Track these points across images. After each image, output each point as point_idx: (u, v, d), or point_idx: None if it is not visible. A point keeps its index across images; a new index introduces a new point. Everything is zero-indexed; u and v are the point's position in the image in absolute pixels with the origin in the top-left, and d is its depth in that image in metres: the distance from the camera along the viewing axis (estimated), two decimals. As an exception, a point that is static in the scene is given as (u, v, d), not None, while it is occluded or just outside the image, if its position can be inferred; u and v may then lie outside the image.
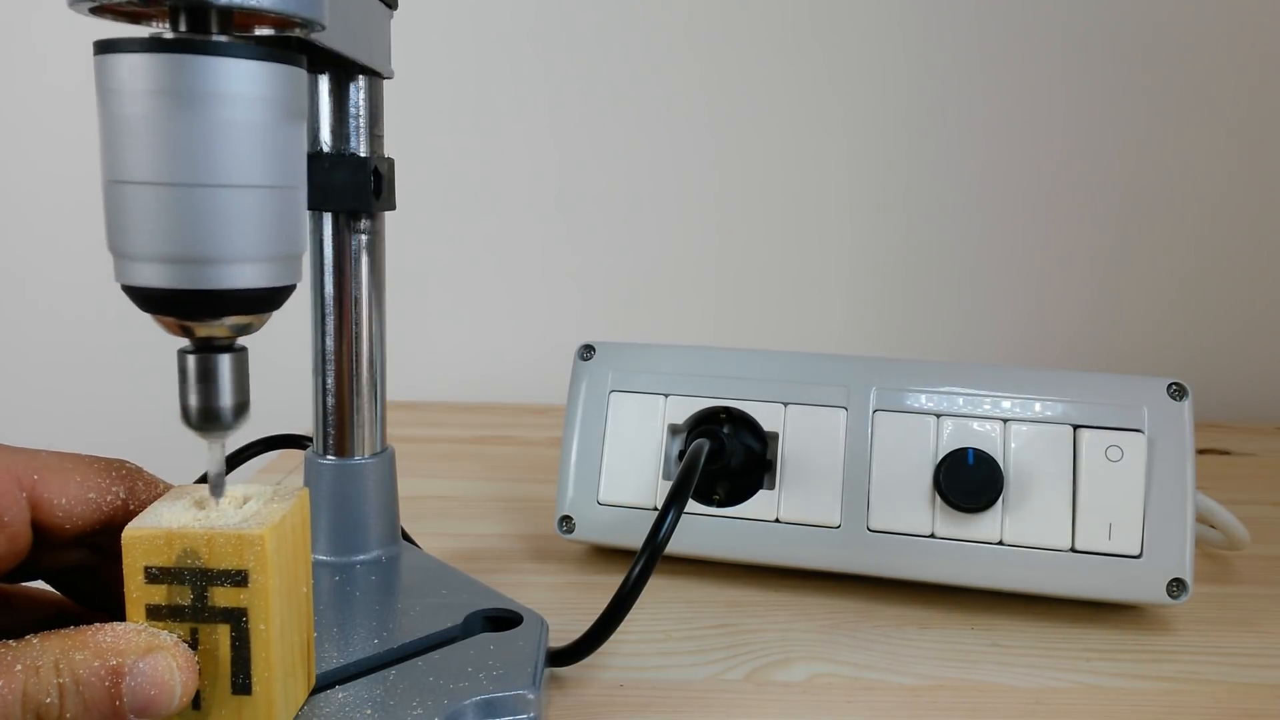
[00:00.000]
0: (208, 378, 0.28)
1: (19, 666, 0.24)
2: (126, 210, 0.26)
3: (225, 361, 0.28)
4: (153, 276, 0.27)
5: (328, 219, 0.40)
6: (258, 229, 0.27)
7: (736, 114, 0.80)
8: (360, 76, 0.38)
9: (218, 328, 0.28)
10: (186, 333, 0.28)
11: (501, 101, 0.79)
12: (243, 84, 0.26)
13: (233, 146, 0.26)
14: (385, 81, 0.40)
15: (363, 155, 0.39)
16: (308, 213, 0.30)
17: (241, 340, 0.29)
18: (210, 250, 0.27)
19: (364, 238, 0.40)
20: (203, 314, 0.27)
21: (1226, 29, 0.78)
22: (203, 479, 0.47)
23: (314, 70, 0.38)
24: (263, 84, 0.27)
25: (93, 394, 0.82)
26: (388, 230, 0.41)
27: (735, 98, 0.79)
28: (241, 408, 0.29)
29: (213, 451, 0.29)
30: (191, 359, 0.28)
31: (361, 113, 0.39)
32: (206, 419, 0.28)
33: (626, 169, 0.81)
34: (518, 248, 0.82)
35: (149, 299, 0.27)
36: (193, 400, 0.28)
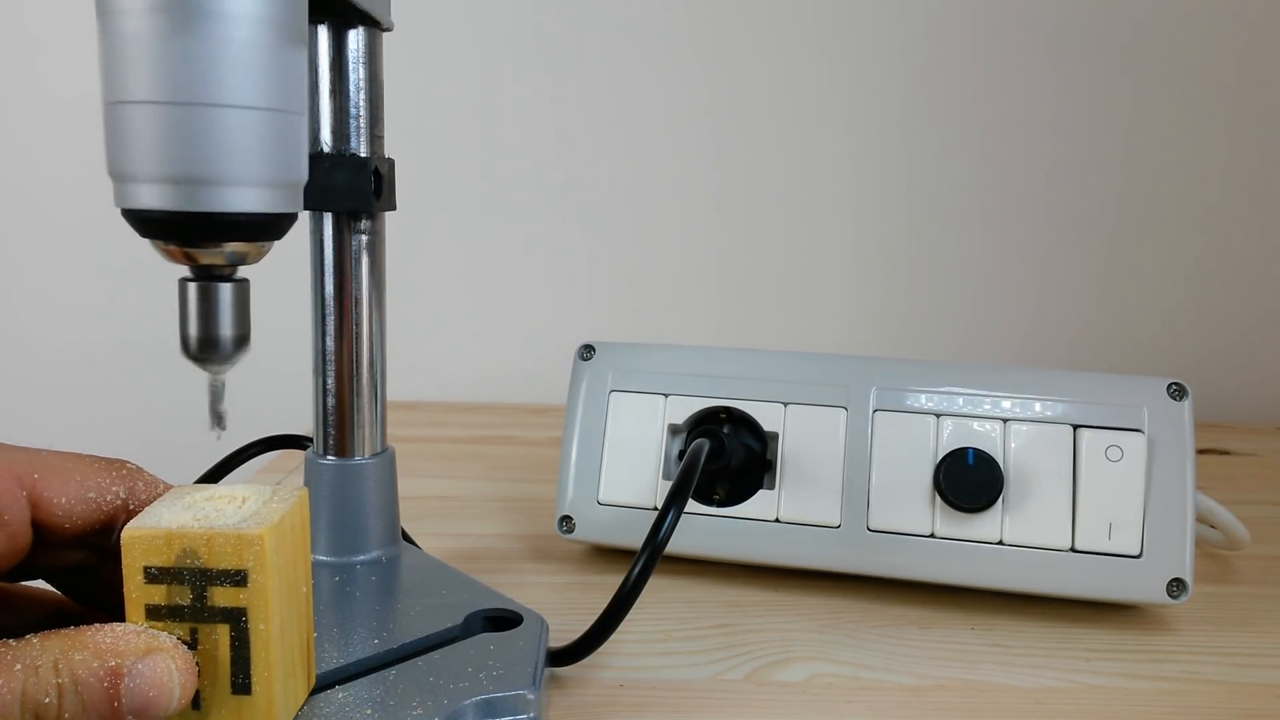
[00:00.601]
0: (208, 306, 0.28)
1: (18, 666, 0.24)
2: (126, 131, 0.26)
3: (226, 291, 0.28)
4: (152, 198, 0.26)
5: (328, 219, 0.40)
6: (257, 152, 0.27)
7: (738, 114, 0.80)
8: (360, 26, 0.38)
9: (218, 255, 0.27)
10: (188, 260, 0.27)
11: (503, 102, 0.80)
12: (242, 3, 0.26)
13: (232, 66, 0.26)
14: (387, 84, 0.40)
15: (363, 156, 0.39)
16: (308, 142, 0.29)
17: (243, 272, 0.28)
18: (209, 170, 0.26)
19: (364, 238, 0.40)
20: (202, 237, 0.27)
21: (1231, 29, 0.78)
22: (203, 479, 0.47)
23: (312, 20, 0.37)
24: (262, 3, 0.26)
25: (93, 394, 0.82)
26: (388, 230, 0.41)
27: (737, 98, 0.79)
28: (242, 339, 0.28)
29: (213, 385, 0.28)
30: (192, 287, 0.28)
31: (362, 112, 0.39)
32: (205, 348, 0.28)
33: (628, 169, 0.81)
34: (518, 248, 0.82)
35: (148, 223, 0.27)
36: (192, 329, 0.28)
